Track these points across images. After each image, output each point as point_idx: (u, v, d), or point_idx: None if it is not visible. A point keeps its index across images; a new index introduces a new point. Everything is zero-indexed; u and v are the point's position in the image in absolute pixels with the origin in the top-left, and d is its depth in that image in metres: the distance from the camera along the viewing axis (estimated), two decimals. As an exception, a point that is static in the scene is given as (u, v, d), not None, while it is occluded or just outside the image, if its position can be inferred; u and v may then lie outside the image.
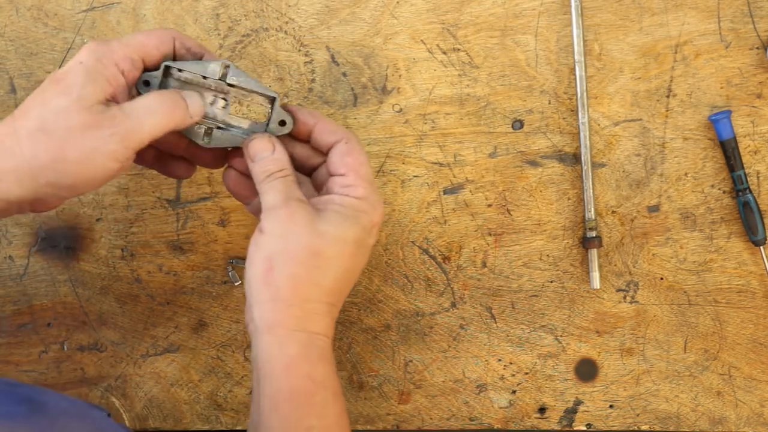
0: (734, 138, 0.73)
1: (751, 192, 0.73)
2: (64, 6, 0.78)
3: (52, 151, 0.55)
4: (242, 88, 0.63)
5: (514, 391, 0.77)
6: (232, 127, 0.64)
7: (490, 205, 0.76)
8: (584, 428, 0.77)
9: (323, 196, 0.62)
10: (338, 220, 0.60)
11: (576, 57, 0.74)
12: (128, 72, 0.59)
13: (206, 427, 0.79)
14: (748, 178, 0.74)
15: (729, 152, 0.73)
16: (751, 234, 0.73)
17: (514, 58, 0.75)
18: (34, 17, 0.78)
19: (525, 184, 0.76)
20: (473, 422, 0.77)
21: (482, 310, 0.77)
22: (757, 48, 0.74)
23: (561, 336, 0.76)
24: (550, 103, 0.75)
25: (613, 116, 0.75)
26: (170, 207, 0.78)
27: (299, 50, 0.77)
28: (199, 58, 0.63)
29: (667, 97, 0.75)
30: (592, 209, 0.74)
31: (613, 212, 0.75)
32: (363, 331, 0.77)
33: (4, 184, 0.56)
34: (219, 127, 0.64)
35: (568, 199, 0.76)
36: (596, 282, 0.75)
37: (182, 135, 0.64)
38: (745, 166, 0.73)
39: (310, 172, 0.67)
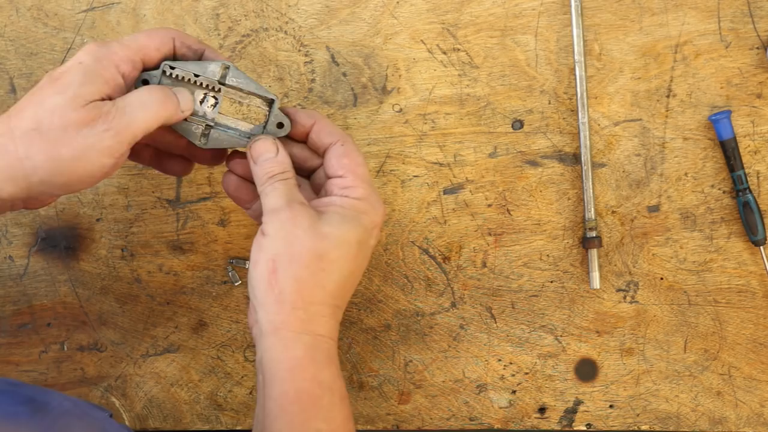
0: (734, 138, 0.73)
1: (751, 192, 0.73)
2: (64, 6, 0.78)
3: (46, 151, 0.55)
4: (240, 90, 0.63)
5: (514, 391, 0.77)
6: (229, 128, 0.64)
7: (490, 205, 0.76)
8: (584, 428, 0.77)
9: (323, 198, 0.62)
10: (340, 221, 0.60)
11: (576, 57, 0.74)
12: (128, 74, 0.59)
13: (206, 427, 0.79)
14: (748, 178, 0.74)
15: (729, 152, 0.73)
16: (751, 234, 0.73)
17: (514, 58, 0.75)
18: (34, 17, 0.78)
19: (525, 184, 0.76)
20: (473, 422, 0.77)
21: (482, 310, 0.77)
22: (757, 48, 0.74)
23: (561, 336, 0.76)
24: (550, 103, 0.75)
25: (613, 116, 0.75)
26: (170, 207, 0.78)
27: (299, 50, 0.77)
28: (200, 55, 0.63)
29: (667, 97, 0.75)
30: (592, 209, 0.74)
31: (613, 212, 0.75)
32: (363, 331, 0.77)
33: None
34: (216, 128, 0.64)
35: (568, 199, 0.76)
36: (596, 282, 0.75)
37: (181, 135, 0.64)
38: (745, 166, 0.73)
39: (309, 175, 0.67)
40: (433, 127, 0.76)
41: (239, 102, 0.64)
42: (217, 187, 0.78)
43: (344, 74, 0.77)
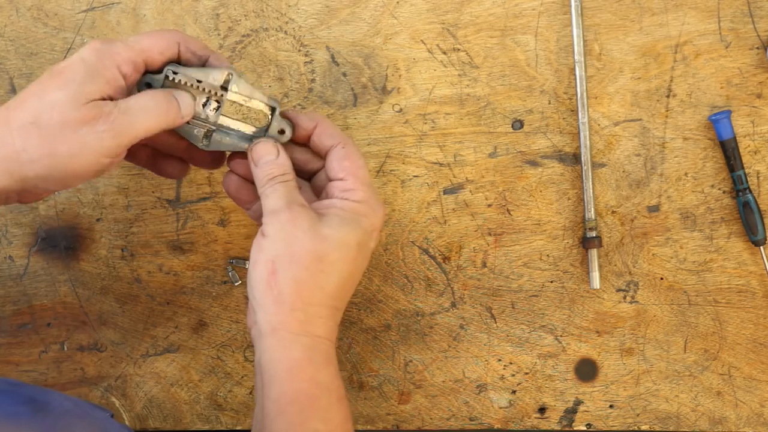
0: (734, 138, 0.73)
1: (751, 192, 0.73)
2: (64, 6, 0.78)
3: (43, 146, 0.55)
4: (243, 95, 0.63)
5: (514, 391, 0.77)
6: (231, 131, 0.64)
7: (490, 205, 0.76)
8: (584, 428, 0.77)
9: (324, 201, 0.63)
10: (340, 224, 0.60)
11: (576, 57, 0.74)
12: (129, 76, 0.59)
13: (206, 427, 0.79)
14: (748, 178, 0.74)
15: (729, 152, 0.73)
16: (751, 234, 0.74)
17: (514, 58, 0.75)
18: (34, 17, 0.78)
19: (525, 184, 0.76)
20: (473, 422, 0.77)
21: (482, 310, 0.77)
22: (757, 48, 0.74)
23: (561, 336, 0.76)
24: (550, 103, 0.75)
25: (613, 116, 0.75)
26: (170, 207, 0.78)
27: (299, 50, 0.77)
28: (204, 60, 0.63)
29: (667, 97, 0.75)
30: (592, 209, 0.74)
31: (613, 212, 0.75)
32: (363, 331, 0.77)
33: None
34: (218, 131, 0.64)
35: (568, 199, 0.76)
36: (596, 282, 0.75)
37: (182, 136, 0.64)
38: (745, 166, 0.73)
39: (310, 177, 0.67)
40: (433, 127, 0.76)
41: (241, 104, 0.64)
42: (217, 187, 0.78)
43: (344, 74, 0.77)
